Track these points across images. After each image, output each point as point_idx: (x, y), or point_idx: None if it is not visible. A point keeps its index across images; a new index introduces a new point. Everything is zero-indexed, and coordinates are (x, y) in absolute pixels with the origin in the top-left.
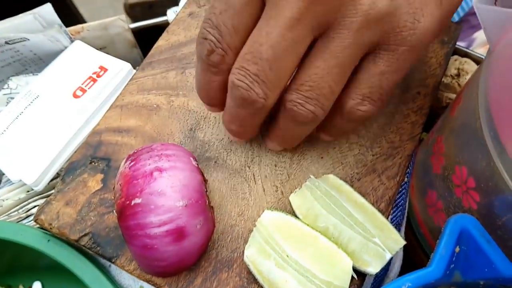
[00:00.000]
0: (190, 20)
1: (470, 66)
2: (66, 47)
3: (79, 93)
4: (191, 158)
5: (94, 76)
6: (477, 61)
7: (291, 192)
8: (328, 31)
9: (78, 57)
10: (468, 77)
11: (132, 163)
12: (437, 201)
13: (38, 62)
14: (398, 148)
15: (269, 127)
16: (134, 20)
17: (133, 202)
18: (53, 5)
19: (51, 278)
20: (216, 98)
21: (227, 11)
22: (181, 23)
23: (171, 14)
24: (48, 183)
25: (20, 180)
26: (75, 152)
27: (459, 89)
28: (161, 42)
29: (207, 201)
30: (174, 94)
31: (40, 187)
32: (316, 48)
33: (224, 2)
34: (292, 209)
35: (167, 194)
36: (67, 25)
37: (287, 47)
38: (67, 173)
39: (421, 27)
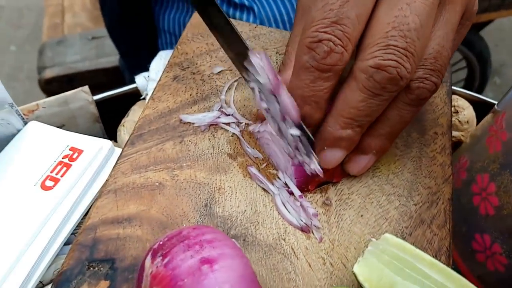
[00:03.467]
0: (176, 84)
1: (463, 103)
2: (18, 131)
3: (49, 183)
4: (233, 240)
5: (66, 160)
6: (465, 97)
7: (341, 263)
8: None
9: (37, 140)
10: (465, 113)
11: (167, 260)
12: (492, 244)
13: None
14: (437, 193)
15: (365, 138)
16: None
17: None
18: None
19: None
20: (321, 111)
21: (349, 2)
22: (167, 89)
23: (141, 80)
24: None
25: None
26: (66, 258)
27: (461, 125)
28: (148, 111)
29: None
30: (176, 167)
31: None
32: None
33: None
34: (358, 282)
35: None
36: None
37: (429, 12)
38: (59, 287)
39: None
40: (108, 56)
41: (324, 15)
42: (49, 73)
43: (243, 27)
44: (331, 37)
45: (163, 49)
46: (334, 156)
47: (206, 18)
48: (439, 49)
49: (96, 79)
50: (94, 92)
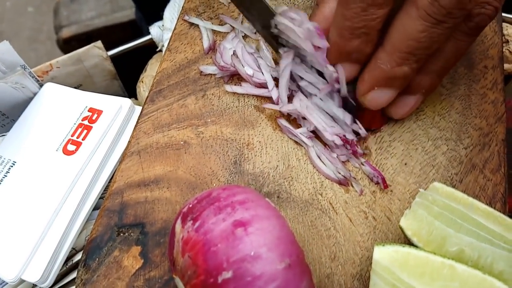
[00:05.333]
0: (193, 31)
1: None
2: (35, 94)
3: (71, 147)
4: (267, 200)
5: (86, 122)
6: None
7: (384, 216)
8: None
9: (55, 103)
10: None
11: (198, 223)
12: None
13: None
14: (489, 134)
15: (417, 78)
16: None
17: (220, 279)
18: None
19: None
20: (372, 44)
21: None
22: (183, 38)
23: (156, 30)
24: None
25: (19, 279)
26: (95, 224)
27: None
28: (165, 64)
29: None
30: (201, 123)
31: (48, 283)
32: None
33: None
34: (405, 236)
35: (263, 256)
36: None
37: None
38: (90, 255)
39: None
40: (123, 9)
41: None
42: (66, 32)
43: None
44: None
45: None
46: (384, 96)
47: None
48: None
49: (114, 35)
50: (112, 48)
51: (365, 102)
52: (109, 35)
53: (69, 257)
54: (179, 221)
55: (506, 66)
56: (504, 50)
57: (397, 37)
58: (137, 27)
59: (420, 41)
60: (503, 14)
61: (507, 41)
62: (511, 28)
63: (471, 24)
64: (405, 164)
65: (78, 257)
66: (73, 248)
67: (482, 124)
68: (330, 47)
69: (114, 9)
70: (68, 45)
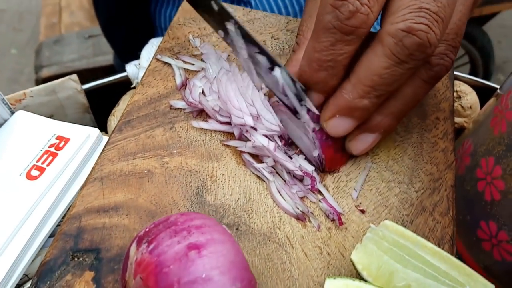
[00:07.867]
0: (167, 69)
1: (465, 88)
2: (5, 120)
3: (35, 173)
4: (224, 226)
5: (52, 149)
6: (468, 82)
7: (338, 252)
8: None
9: (24, 130)
10: (468, 98)
11: (152, 246)
12: (498, 232)
13: None
14: (439, 179)
15: (374, 116)
16: None
17: None
18: None
19: None
20: (338, 78)
21: None
22: (157, 74)
23: (132, 68)
24: None
25: None
26: (50, 247)
27: (463, 111)
28: (137, 97)
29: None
30: (166, 154)
31: None
32: None
33: None
34: (356, 270)
35: (214, 278)
36: None
37: None
38: (42, 278)
39: None
40: (105, 54)
41: None
42: (46, 72)
43: (237, 11)
44: None
45: None
46: (344, 125)
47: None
48: (461, 25)
49: (95, 78)
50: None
51: (326, 128)
52: (89, 77)
53: (20, 284)
54: (134, 244)
55: (458, 119)
56: (456, 105)
57: (362, 71)
58: (117, 72)
59: (383, 77)
60: (457, 73)
61: (459, 97)
62: (463, 85)
63: (431, 73)
64: (360, 203)
65: (29, 284)
66: (25, 275)
67: (433, 170)
68: (299, 75)
69: (96, 53)
70: None
